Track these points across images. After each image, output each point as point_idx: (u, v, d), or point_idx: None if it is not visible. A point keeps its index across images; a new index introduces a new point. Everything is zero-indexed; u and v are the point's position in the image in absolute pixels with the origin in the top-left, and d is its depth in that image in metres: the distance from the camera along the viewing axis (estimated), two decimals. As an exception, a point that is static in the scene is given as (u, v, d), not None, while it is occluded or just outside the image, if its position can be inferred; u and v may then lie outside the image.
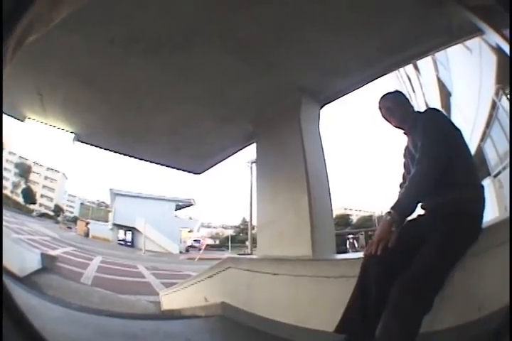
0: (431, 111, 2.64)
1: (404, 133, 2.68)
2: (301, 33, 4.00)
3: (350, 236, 15.21)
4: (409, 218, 2.39)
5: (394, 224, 2.18)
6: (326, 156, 5.10)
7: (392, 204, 2.25)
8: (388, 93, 2.76)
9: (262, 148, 5.81)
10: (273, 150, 5.43)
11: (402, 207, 2.23)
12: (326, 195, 4.94)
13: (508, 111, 9.09)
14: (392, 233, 2.18)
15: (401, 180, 2.72)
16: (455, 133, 2.42)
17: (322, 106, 5.45)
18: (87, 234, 41.18)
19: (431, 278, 2.03)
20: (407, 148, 2.61)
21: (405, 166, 2.66)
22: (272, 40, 4.16)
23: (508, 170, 9.96)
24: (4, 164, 53.22)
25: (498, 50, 6.69)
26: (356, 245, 13.89)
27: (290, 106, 5.14)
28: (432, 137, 2.31)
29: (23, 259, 9.48)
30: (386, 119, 2.72)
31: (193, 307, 5.82)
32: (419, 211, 2.41)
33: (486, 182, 12.14)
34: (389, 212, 2.21)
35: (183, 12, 3.77)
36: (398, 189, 2.68)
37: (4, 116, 6.96)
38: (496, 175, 11.07)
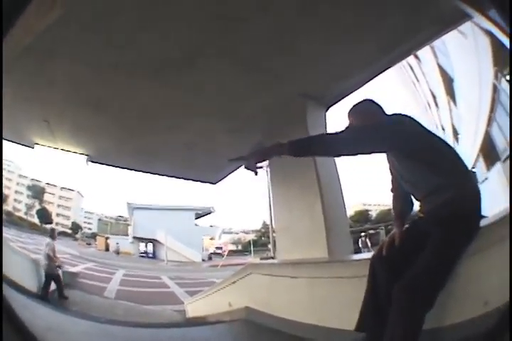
0: (394, 115, 2.43)
1: None
2: (298, 43, 4.14)
3: (363, 234, 14.69)
4: (410, 220, 2.49)
5: (276, 153, 2.15)
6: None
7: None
8: (354, 107, 2.63)
9: (273, 156, 5.88)
10: (283, 157, 5.49)
11: (298, 143, 2.13)
12: (339, 197, 5.05)
13: (508, 93, 9.06)
14: (395, 234, 2.29)
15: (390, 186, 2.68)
16: (427, 136, 2.32)
17: (328, 109, 5.55)
18: (117, 252, 41.35)
19: (431, 278, 2.05)
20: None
21: (390, 171, 2.61)
22: (271, 53, 4.31)
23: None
24: (15, 187, 54.22)
25: (489, 33, 6.71)
26: (369, 243, 13.51)
27: (296, 113, 5.25)
28: (365, 127, 2.26)
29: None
30: None
31: (218, 313, 5.97)
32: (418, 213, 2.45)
33: (496, 168, 12.08)
34: (282, 143, 2.11)
35: (183, 34, 3.97)
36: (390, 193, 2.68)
37: (13, 144, 7.26)
38: (505, 160, 10.97)
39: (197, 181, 9.47)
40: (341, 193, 5.11)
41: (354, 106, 2.64)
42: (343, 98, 5.47)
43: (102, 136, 6.88)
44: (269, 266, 5.03)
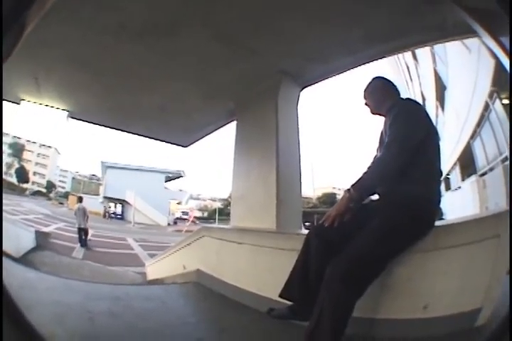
0: (409, 101, 2.57)
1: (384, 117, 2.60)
2: (282, 21, 4.09)
3: (307, 223, 14.76)
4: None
5: (351, 202, 2.19)
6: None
7: (353, 182, 2.21)
8: (370, 81, 2.73)
9: (241, 125, 5.97)
10: (250, 127, 5.62)
11: (361, 187, 2.20)
12: (296, 172, 5.12)
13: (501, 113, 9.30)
14: (349, 211, 2.20)
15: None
16: (428, 129, 2.36)
17: (303, 89, 5.53)
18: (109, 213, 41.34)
19: (361, 261, 2.04)
20: (381, 133, 2.56)
21: (377, 150, 2.60)
22: (253, 28, 4.29)
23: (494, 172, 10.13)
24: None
25: (495, 54, 6.72)
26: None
27: (270, 87, 5.22)
28: (402, 124, 2.26)
29: (19, 239, 9.79)
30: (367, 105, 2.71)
31: (174, 275, 6.26)
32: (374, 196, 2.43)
33: (471, 180, 12.66)
34: (348, 190, 2.19)
35: (171, 3, 3.96)
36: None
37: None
38: (482, 175, 11.45)
39: (169, 143, 9.57)
40: (299, 168, 5.18)
41: (370, 81, 2.74)
42: (318, 81, 5.43)
43: (83, 93, 6.88)
44: (220, 230, 5.21)
